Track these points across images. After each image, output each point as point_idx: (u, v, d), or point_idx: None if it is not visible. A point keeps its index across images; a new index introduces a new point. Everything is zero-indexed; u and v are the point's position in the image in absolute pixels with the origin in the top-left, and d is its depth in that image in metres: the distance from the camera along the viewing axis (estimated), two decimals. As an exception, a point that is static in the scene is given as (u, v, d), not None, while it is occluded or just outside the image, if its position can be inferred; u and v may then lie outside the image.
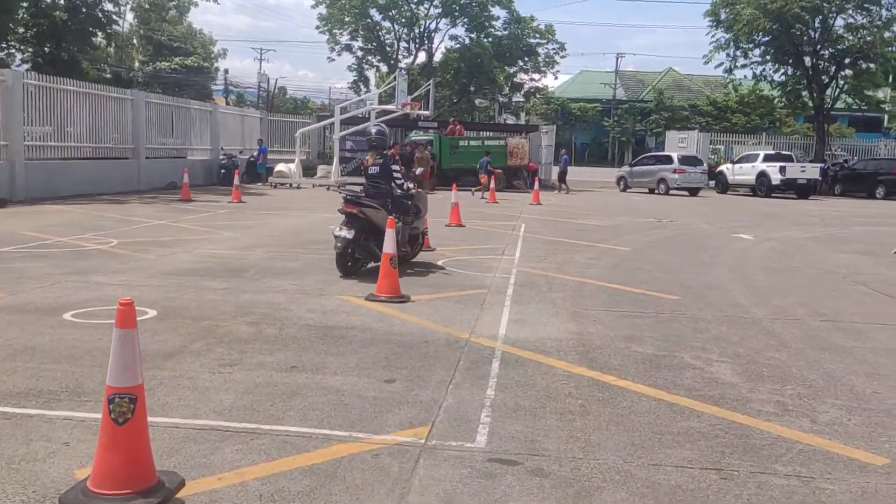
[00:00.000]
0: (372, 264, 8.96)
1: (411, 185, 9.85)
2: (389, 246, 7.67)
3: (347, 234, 8.76)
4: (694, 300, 8.04)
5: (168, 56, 60.36)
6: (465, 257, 10.85)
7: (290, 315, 6.77)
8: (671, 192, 30.13)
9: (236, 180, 20.28)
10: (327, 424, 4.12)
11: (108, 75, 44.86)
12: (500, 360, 5.51)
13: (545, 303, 7.75)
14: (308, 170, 30.17)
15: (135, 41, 63.98)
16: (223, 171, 26.95)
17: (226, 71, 69.25)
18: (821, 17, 35.12)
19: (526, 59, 43.55)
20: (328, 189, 26.26)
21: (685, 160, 31.02)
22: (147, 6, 56.70)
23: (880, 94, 42.74)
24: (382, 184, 9.28)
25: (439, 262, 10.18)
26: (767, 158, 31.54)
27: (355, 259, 9.05)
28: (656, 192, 30.81)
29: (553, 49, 43.59)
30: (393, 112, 29.17)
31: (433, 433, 4.04)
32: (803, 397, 4.84)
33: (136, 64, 61.21)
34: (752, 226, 17.18)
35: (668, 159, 31.62)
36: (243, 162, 28.82)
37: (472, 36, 42.31)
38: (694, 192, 30.53)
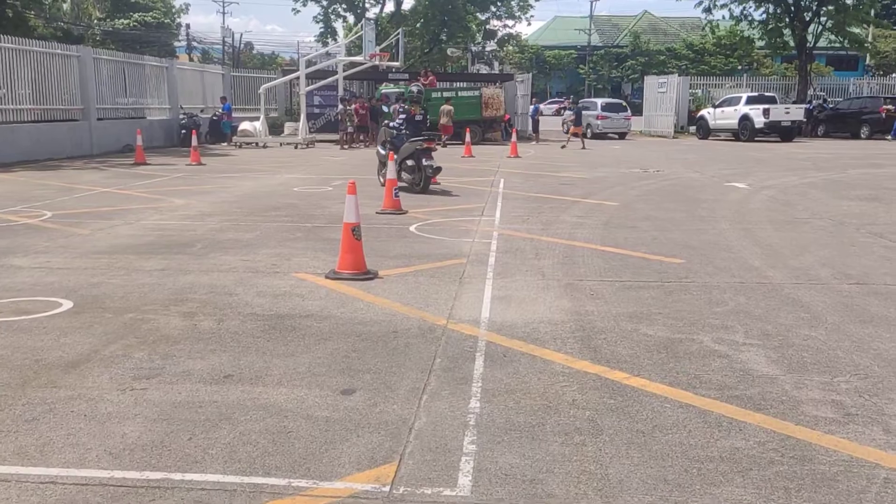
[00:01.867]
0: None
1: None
2: (352, 215, 6.60)
3: (434, 162, 12.57)
4: (701, 264, 7.08)
5: (126, 13, 57.78)
6: (440, 220, 9.81)
7: (234, 301, 5.71)
8: (597, 135, 31.83)
9: (194, 141, 18.94)
10: (260, 467, 3.10)
11: (61, 33, 42.61)
12: (485, 355, 4.52)
13: (533, 273, 6.75)
14: (274, 127, 28.76)
15: (91, -3, 61.17)
16: (183, 131, 25.46)
17: (187, 26, 66.43)
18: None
19: (499, 2, 41.83)
20: (296, 147, 24.96)
21: (608, 107, 33.40)
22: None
23: (860, 32, 41.51)
24: (423, 126, 13.10)
25: (412, 228, 9.13)
26: (750, 101, 30.50)
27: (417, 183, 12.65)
28: (587, 136, 32.82)
29: (527, -10, 41.89)
30: (361, 64, 27.70)
31: (401, 474, 3.05)
32: (863, 393, 3.90)
33: (95, 21, 58.58)
34: (743, 173, 16.24)
35: (594, 105, 33.67)
36: (206, 121, 27.35)
37: (443, -20, 40.42)
38: (622, 135, 32.37)
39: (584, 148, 24.73)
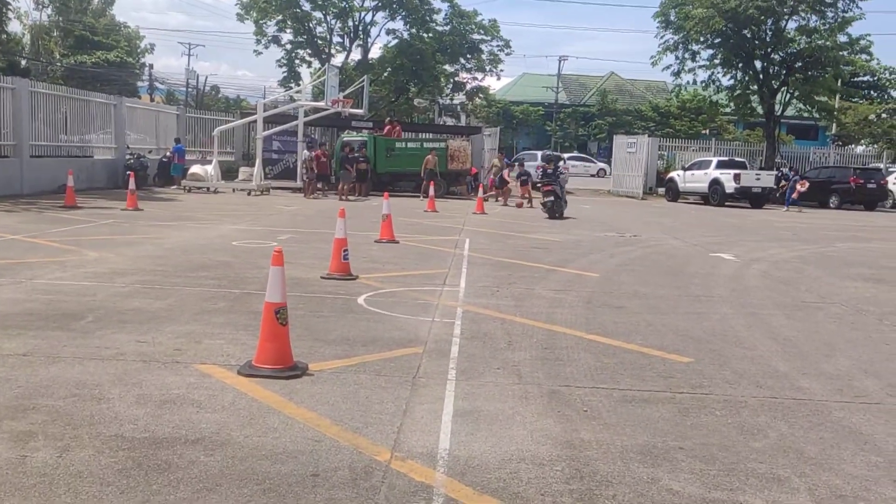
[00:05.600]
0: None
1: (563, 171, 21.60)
2: (276, 293, 5.11)
3: (548, 198, 18.86)
4: (714, 365, 5.71)
5: (89, 50, 56.22)
6: (394, 289, 8.35)
7: (100, 413, 4.15)
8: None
9: (131, 184, 17.26)
10: None
11: (5, 66, 40.81)
12: (442, 528, 3.04)
13: (506, 373, 5.31)
14: (230, 172, 27.22)
15: (55, 33, 59.57)
16: (129, 172, 23.77)
17: (150, 66, 64.84)
18: (774, 17, 33.67)
19: (469, 56, 41.14)
20: (249, 194, 23.42)
21: (546, 158, 34.45)
22: (65, -4, 52.63)
23: (828, 101, 41.52)
24: (552, 175, 19.64)
25: (360, 299, 7.65)
26: (721, 165, 29.88)
27: (555, 210, 18.84)
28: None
29: (497, 46, 41.30)
30: (324, 109, 26.47)
31: None
32: None
33: (57, 57, 56.90)
34: (725, 242, 15.11)
35: (535, 157, 37.17)
36: (154, 162, 25.74)
37: (413, 31, 39.66)
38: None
39: (516, 206, 23.38)
